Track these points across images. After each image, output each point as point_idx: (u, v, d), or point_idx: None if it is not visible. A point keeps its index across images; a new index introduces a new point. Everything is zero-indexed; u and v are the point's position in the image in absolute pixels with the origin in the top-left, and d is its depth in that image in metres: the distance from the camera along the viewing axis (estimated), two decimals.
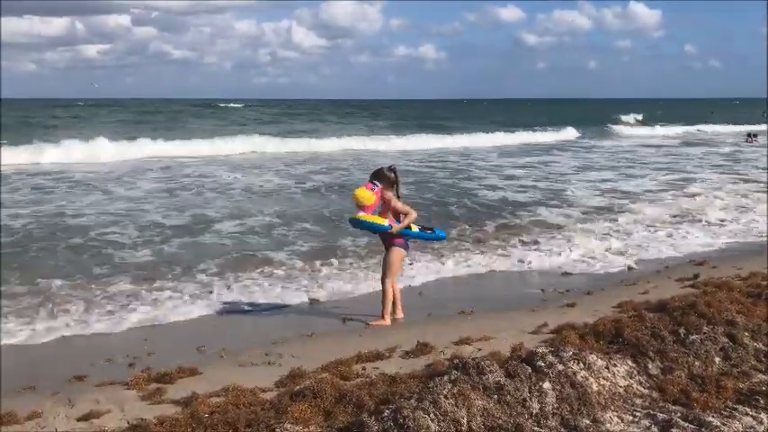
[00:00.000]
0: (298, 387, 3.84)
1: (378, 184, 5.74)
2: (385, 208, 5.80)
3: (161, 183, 16.09)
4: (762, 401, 3.54)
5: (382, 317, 5.75)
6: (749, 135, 33.25)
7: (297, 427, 3.10)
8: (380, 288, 5.90)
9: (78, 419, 3.78)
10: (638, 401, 3.64)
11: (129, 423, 3.58)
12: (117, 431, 3.51)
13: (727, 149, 27.48)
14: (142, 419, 3.54)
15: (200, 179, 16.72)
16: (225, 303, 6.48)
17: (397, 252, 5.83)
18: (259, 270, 7.71)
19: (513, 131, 36.22)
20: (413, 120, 48.76)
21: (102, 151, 22.60)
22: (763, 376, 3.89)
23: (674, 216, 11.47)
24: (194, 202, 12.94)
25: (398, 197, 5.87)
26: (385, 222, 5.75)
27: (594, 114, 56.00)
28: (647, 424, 3.37)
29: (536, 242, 9.37)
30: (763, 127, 39.53)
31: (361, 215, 5.70)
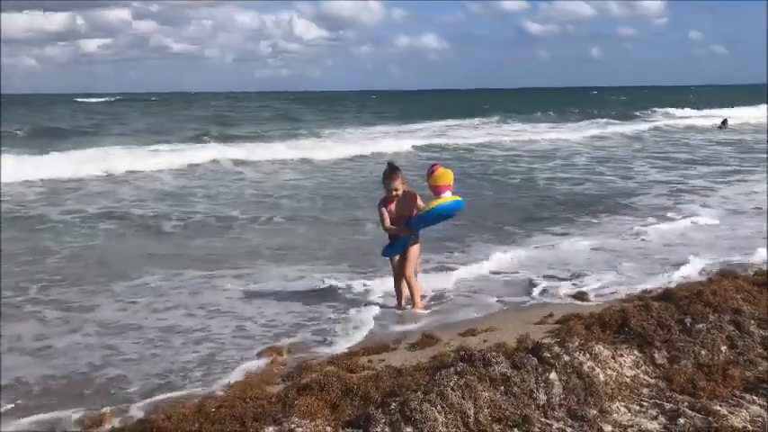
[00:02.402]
0: (304, 380, 3.85)
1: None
2: (409, 205, 5.53)
3: None
4: None
5: (417, 305, 5.70)
6: (723, 122, 32.82)
7: (304, 421, 3.10)
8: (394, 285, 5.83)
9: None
10: (645, 391, 3.64)
11: (137, 419, 3.60)
12: (125, 427, 3.52)
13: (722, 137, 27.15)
14: (150, 415, 3.56)
15: None
16: None
17: (419, 243, 5.70)
18: None
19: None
20: (484, 111, 46.00)
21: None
22: None
23: None
24: None
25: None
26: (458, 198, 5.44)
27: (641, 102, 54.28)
28: (655, 413, 3.38)
29: None
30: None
31: (447, 197, 5.32)
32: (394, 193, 5.51)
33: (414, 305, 5.69)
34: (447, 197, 5.36)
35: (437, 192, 5.37)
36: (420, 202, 5.51)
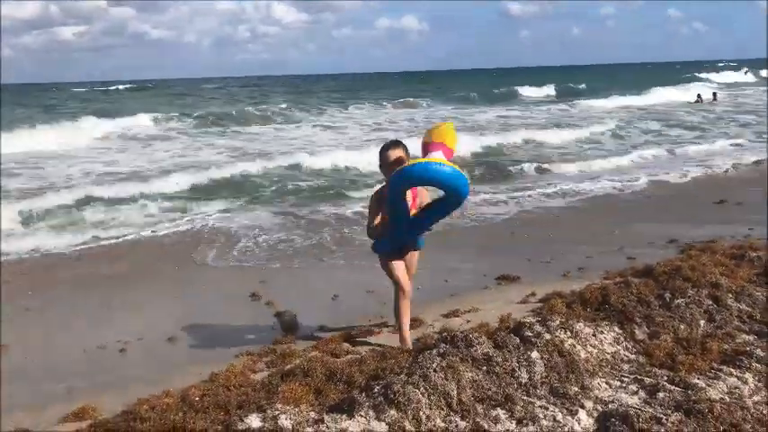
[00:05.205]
0: (288, 366, 3.86)
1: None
2: (414, 195, 4.24)
3: None
4: (746, 361, 3.60)
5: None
6: (698, 96, 31.94)
7: (288, 407, 3.11)
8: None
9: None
10: (626, 367, 3.69)
11: (121, 409, 3.59)
12: (109, 418, 3.51)
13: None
14: (134, 405, 3.55)
15: None
16: None
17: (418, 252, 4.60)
18: None
19: None
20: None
21: None
22: (747, 337, 3.95)
23: None
24: None
25: None
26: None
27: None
28: (635, 389, 3.42)
29: None
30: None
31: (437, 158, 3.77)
32: (395, 167, 4.10)
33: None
34: (436, 157, 3.77)
35: (425, 152, 3.91)
36: (426, 197, 4.32)
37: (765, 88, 39.67)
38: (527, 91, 44.49)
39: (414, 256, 4.51)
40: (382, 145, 4.41)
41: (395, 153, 4.23)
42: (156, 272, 6.94)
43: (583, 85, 49.06)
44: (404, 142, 4.38)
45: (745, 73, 33.93)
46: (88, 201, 10.53)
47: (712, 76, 56.29)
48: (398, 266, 4.35)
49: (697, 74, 57.30)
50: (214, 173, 12.78)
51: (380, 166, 4.37)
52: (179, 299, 6.01)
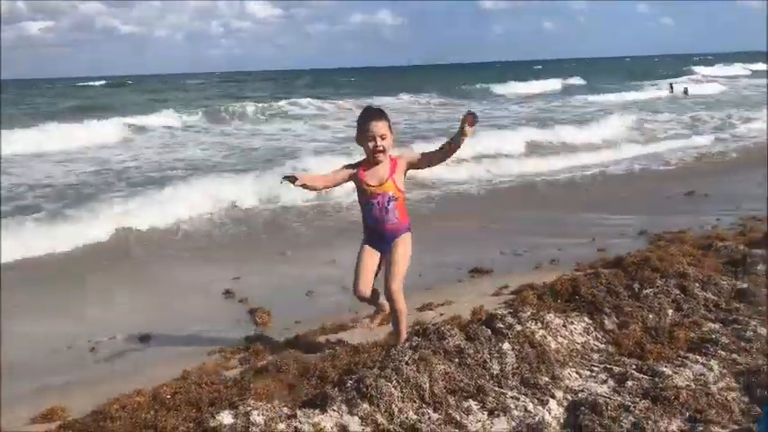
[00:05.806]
0: (261, 363, 3.85)
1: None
2: (392, 171, 3.81)
3: None
4: (711, 349, 3.68)
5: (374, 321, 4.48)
6: (670, 87, 33.31)
7: (260, 403, 3.10)
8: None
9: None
10: (596, 356, 3.74)
11: (91, 409, 3.54)
12: (79, 418, 3.46)
13: None
14: (104, 405, 3.50)
15: None
16: None
17: (410, 238, 3.99)
18: None
19: None
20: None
21: None
22: (713, 325, 4.03)
23: None
24: None
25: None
26: None
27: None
28: (604, 377, 3.48)
29: None
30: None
31: None
32: (379, 142, 3.74)
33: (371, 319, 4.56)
34: None
35: None
36: (411, 157, 3.86)
37: (744, 82, 40.88)
38: (522, 87, 44.10)
39: (393, 251, 3.91)
40: (363, 111, 3.84)
41: (379, 127, 3.73)
42: (129, 268, 6.85)
43: (580, 80, 49.29)
44: (386, 113, 3.82)
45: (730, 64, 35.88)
46: (63, 198, 10.35)
47: (701, 69, 58.38)
48: (363, 263, 3.97)
49: (684, 68, 59.41)
50: (213, 171, 12.69)
51: (357, 136, 3.84)
52: (150, 295, 5.94)
